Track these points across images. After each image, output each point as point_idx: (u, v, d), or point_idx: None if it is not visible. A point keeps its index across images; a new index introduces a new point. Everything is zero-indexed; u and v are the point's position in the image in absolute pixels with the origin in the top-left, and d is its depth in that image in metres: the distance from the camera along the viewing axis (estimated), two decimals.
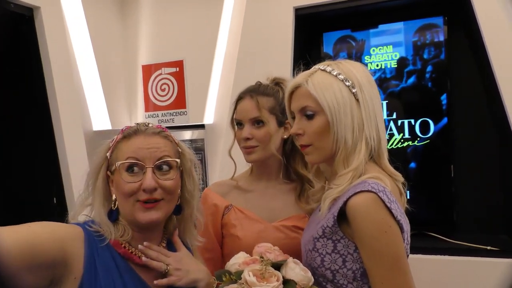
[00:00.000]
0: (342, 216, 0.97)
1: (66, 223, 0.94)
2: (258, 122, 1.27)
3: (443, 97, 2.26)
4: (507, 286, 1.63)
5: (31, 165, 2.25)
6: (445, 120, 2.26)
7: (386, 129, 2.34)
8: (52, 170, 2.20)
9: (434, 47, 2.28)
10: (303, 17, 2.39)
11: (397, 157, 2.23)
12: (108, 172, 0.97)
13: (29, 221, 0.83)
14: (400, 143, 2.35)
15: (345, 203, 0.96)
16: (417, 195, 2.28)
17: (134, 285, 0.92)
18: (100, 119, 2.59)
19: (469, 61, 2.26)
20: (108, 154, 0.97)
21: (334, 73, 1.04)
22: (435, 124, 2.28)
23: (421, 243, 2.14)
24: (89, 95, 2.54)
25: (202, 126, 2.58)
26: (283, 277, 0.95)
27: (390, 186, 0.98)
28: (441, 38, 2.26)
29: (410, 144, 2.33)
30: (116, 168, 0.93)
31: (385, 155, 1.07)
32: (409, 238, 1.03)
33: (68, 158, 2.20)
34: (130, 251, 0.94)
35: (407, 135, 2.33)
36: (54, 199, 2.17)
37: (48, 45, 2.17)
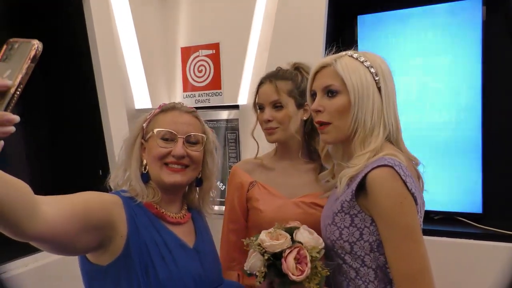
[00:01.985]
0: (360, 191, 1.05)
1: (105, 188, 1.08)
2: (277, 105, 1.36)
3: None
4: None
5: (79, 138, 2.42)
6: None
7: None
8: (98, 144, 2.37)
9: None
10: None
11: None
12: (142, 140, 1.11)
13: (78, 191, 0.95)
14: None
15: (365, 177, 1.03)
16: (446, 179, 2.27)
17: (170, 239, 1.05)
18: (142, 98, 2.72)
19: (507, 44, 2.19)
20: (144, 124, 1.12)
21: (361, 60, 1.12)
22: None
23: (451, 227, 2.14)
24: (132, 75, 2.66)
25: (236, 107, 2.66)
26: (292, 239, 1.06)
27: (405, 162, 1.05)
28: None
29: None
30: (153, 134, 1.07)
31: (402, 141, 1.14)
32: (422, 212, 1.10)
33: (112, 133, 2.36)
34: (161, 211, 1.08)
35: None
36: (100, 171, 2.37)
37: (95, 28, 2.29)
